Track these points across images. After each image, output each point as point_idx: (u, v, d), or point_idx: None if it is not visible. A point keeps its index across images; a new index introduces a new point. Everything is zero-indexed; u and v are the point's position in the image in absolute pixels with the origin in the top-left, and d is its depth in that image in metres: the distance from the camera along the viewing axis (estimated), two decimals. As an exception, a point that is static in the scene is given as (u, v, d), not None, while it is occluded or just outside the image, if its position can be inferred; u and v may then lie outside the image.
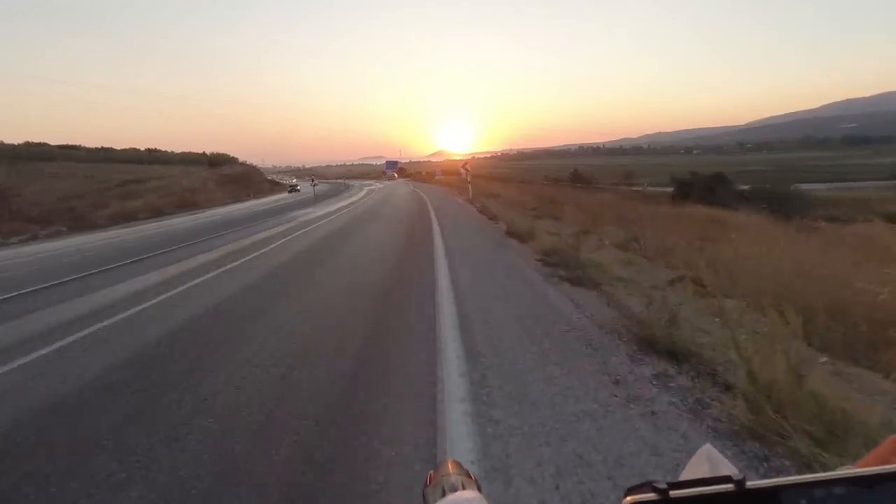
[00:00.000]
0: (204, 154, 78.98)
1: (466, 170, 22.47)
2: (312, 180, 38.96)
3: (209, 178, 43.73)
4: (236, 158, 79.94)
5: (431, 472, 0.58)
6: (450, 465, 0.57)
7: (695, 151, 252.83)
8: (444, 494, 0.50)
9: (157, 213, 24.04)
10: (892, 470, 0.33)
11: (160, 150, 67.28)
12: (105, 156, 56.56)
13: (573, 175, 51.32)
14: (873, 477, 0.33)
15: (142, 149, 65.14)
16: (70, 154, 51.97)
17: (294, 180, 41.89)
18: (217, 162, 69.88)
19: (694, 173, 26.49)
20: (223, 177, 47.59)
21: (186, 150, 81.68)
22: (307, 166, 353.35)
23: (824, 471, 0.34)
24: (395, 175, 77.46)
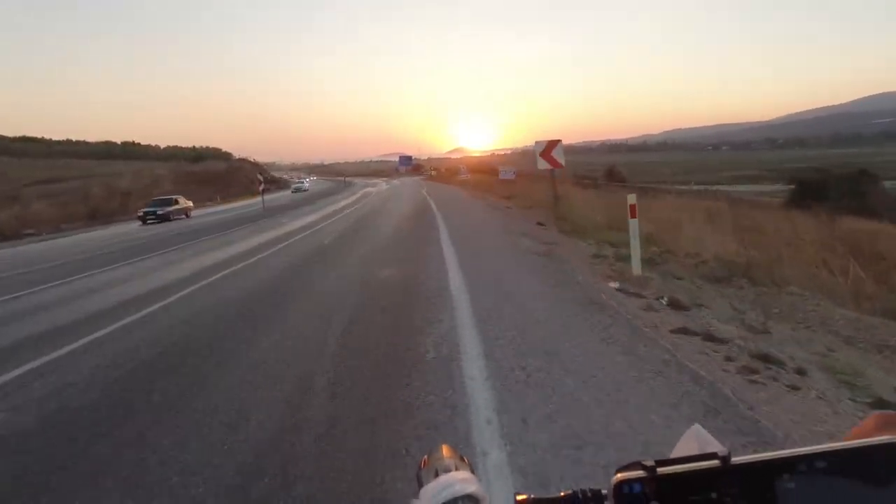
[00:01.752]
0: (193, 149, 72.68)
1: (556, 164, 12.03)
2: (261, 182, 26.62)
3: (168, 176, 36.31)
4: (229, 154, 73.59)
5: (426, 456, 0.56)
6: (444, 450, 0.55)
7: (723, 148, 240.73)
8: (437, 476, 0.50)
9: (13, 233, 16.63)
10: (868, 444, 0.33)
11: (138, 144, 60.99)
12: (67, 150, 49.86)
13: (608, 174, 44.52)
14: (852, 451, 0.33)
15: (118, 142, 58.78)
16: (24, 148, 45.31)
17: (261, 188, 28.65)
18: (203, 157, 62.99)
19: (820, 170, 18.94)
20: (191, 175, 40.11)
21: (187, 146, 75.52)
22: (326, 163, 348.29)
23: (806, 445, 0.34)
24: (433, 172, 68.53)
